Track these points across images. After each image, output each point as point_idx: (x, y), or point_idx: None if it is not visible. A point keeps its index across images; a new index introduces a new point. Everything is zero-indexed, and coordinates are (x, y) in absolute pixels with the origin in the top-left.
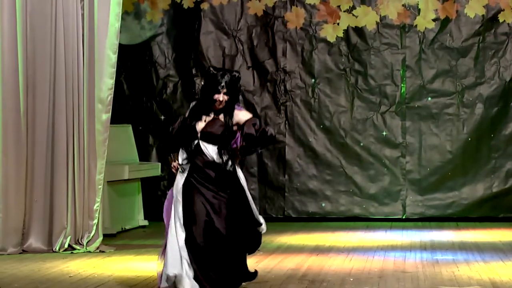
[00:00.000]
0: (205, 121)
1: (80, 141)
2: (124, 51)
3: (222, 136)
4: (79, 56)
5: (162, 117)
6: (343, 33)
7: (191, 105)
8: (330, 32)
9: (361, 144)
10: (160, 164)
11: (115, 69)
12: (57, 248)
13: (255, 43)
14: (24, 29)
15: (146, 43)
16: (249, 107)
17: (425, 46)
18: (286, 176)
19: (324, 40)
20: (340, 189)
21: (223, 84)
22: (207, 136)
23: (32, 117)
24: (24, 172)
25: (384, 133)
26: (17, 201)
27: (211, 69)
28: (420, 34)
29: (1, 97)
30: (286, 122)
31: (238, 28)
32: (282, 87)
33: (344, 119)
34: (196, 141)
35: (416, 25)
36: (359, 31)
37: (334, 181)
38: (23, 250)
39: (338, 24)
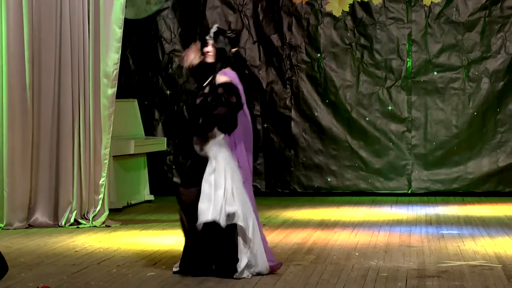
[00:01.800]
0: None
1: (86, 116)
2: (129, 25)
3: (199, 106)
4: (85, 30)
5: (168, 92)
6: (349, 7)
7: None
8: (336, 7)
9: (367, 118)
10: (165, 138)
11: (121, 44)
12: (63, 223)
13: (260, 18)
14: (30, 4)
15: (152, 17)
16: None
17: (431, 21)
18: (292, 151)
19: (330, 15)
20: (345, 164)
21: (210, 34)
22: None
23: (38, 92)
24: (30, 147)
25: (390, 108)
26: (23, 176)
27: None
28: (426, 8)
29: (7, 73)
30: (292, 96)
31: (244, 2)
32: (288, 62)
33: (350, 94)
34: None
35: None
36: (365, 5)
37: (340, 155)
38: (29, 225)
39: None
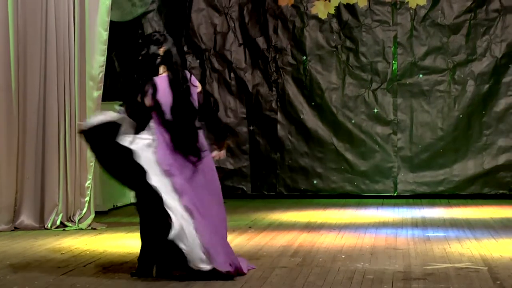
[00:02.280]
0: None
1: (72, 119)
2: (115, 28)
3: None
4: (70, 33)
5: None
6: (334, 10)
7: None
8: (322, 9)
9: (353, 121)
10: None
11: (107, 46)
12: (49, 225)
13: (246, 20)
14: (15, 6)
15: (137, 20)
16: (241, 84)
17: (416, 23)
18: (278, 153)
19: (316, 17)
20: (331, 166)
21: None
22: None
23: (24, 94)
24: (16, 149)
25: (376, 110)
26: (8, 178)
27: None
28: (411, 11)
29: None
30: (278, 99)
31: (230, 5)
32: (274, 64)
33: (336, 96)
34: None
35: (407, 2)
36: (351, 8)
37: (326, 158)
38: (14, 227)
39: (329, 1)
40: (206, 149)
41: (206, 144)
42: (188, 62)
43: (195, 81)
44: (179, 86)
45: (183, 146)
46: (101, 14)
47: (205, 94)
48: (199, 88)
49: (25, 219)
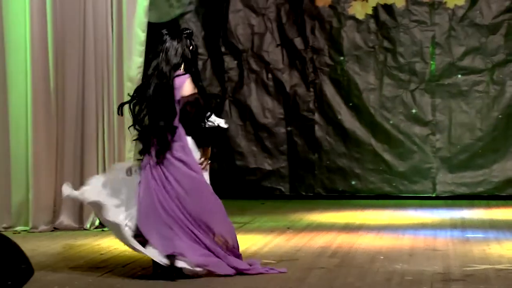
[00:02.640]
0: None
1: (110, 120)
2: (153, 29)
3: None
4: (108, 34)
5: None
6: (372, 10)
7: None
8: (359, 10)
9: (391, 121)
10: None
11: (144, 47)
12: (88, 226)
13: (283, 21)
14: (54, 8)
15: (175, 21)
16: (278, 85)
17: (454, 23)
18: (316, 154)
19: (353, 18)
20: (369, 167)
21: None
22: None
23: (62, 95)
24: (55, 150)
25: (414, 111)
26: (48, 179)
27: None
28: (449, 11)
29: (31, 76)
30: (315, 100)
31: (267, 6)
32: (311, 65)
33: (373, 97)
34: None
35: (445, 2)
36: (388, 8)
37: (364, 159)
38: (54, 228)
39: (367, 1)
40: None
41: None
42: (225, 63)
43: (180, 84)
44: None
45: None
46: (138, 15)
47: (188, 102)
48: (185, 93)
49: (65, 219)
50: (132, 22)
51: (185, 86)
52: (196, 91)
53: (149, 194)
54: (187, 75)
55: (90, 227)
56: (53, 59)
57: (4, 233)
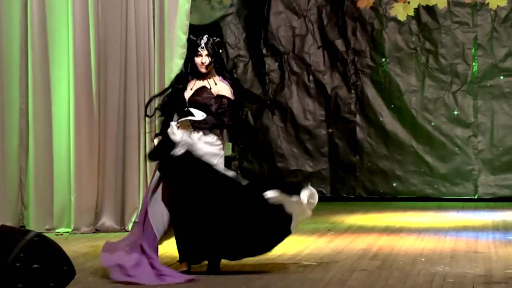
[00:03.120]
0: (191, 89)
1: (152, 122)
2: (194, 31)
3: (207, 104)
4: (150, 37)
5: (232, 97)
6: (413, 11)
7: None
8: (401, 11)
9: (432, 123)
10: (230, 144)
11: (186, 50)
12: (130, 227)
13: (325, 23)
14: (96, 12)
15: (216, 23)
16: (319, 87)
17: (497, 24)
18: (357, 156)
19: (395, 19)
20: (411, 169)
21: (202, 45)
22: (194, 104)
23: (104, 98)
24: (97, 153)
25: (456, 113)
26: (90, 181)
27: (191, 36)
28: (492, 12)
29: (74, 80)
30: (357, 101)
31: (308, 8)
32: (352, 67)
33: (415, 99)
34: (185, 109)
35: (487, 3)
36: (430, 9)
37: (405, 160)
38: (96, 230)
39: (408, 2)
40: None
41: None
42: (267, 65)
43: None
44: None
45: None
46: (180, 18)
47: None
48: None
49: (106, 221)
50: (174, 24)
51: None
52: None
53: None
54: None
55: (132, 228)
56: (95, 63)
57: (46, 234)
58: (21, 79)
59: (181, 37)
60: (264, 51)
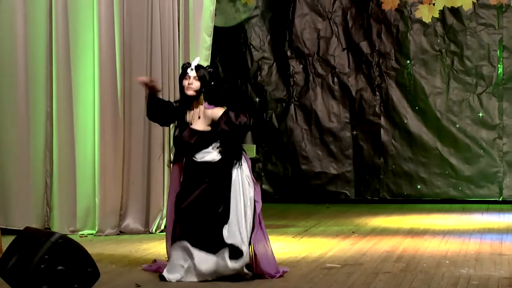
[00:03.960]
0: (189, 121)
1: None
2: (219, 34)
3: (195, 145)
4: (175, 39)
5: (257, 99)
6: (438, 13)
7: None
8: (426, 13)
9: (457, 125)
10: (255, 146)
11: (210, 52)
12: (154, 230)
13: (350, 25)
14: (121, 14)
15: (241, 25)
16: (344, 89)
17: None
18: (381, 158)
19: (420, 21)
20: (435, 171)
21: (192, 67)
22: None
23: (129, 100)
24: (121, 154)
25: (481, 115)
26: (114, 184)
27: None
28: None
29: (99, 81)
30: (381, 104)
31: (333, 10)
32: (377, 69)
33: (440, 101)
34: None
35: None
36: (455, 11)
37: (430, 163)
38: (120, 231)
39: (433, 4)
40: None
41: None
42: (291, 67)
43: None
44: None
45: None
46: (205, 20)
47: None
48: None
49: (131, 223)
50: (199, 26)
51: None
52: None
53: None
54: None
55: (156, 231)
56: (120, 64)
57: (70, 236)
58: (47, 82)
59: (205, 39)
60: (289, 53)
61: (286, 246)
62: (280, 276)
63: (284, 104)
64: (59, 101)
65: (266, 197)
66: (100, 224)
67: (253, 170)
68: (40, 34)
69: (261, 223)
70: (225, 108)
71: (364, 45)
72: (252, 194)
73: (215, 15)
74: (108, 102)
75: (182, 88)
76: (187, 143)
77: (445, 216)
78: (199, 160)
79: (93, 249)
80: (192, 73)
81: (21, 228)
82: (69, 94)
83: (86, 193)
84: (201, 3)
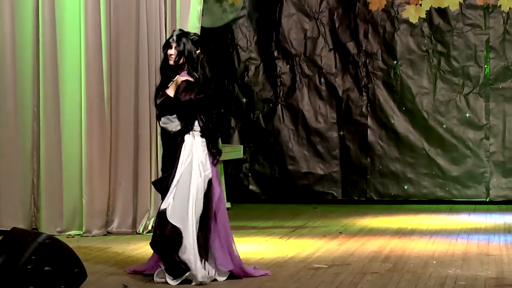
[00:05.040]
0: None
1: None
2: (206, 34)
3: (161, 105)
4: (162, 39)
5: (244, 100)
6: (425, 14)
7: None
8: (412, 13)
9: (444, 126)
10: (242, 146)
11: None
12: (141, 230)
13: (336, 25)
14: (107, 14)
15: (227, 26)
16: (331, 89)
17: (509, 27)
18: (368, 159)
19: (407, 22)
20: (422, 172)
21: (173, 37)
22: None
23: (116, 101)
24: (108, 155)
25: (468, 115)
26: (101, 184)
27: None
28: (504, 14)
29: (86, 82)
30: (368, 104)
31: (320, 10)
32: (364, 69)
33: (427, 101)
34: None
35: (500, 5)
36: (442, 12)
37: (417, 163)
38: (107, 232)
39: (420, 5)
40: None
41: None
42: (278, 68)
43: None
44: None
45: None
46: (192, 20)
47: None
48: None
49: (118, 224)
50: (186, 27)
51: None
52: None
53: None
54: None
55: (143, 231)
56: (106, 64)
57: (57, 237)
58: (33, 83)
59: None
60: (276, 54)
61: (273, 247)
62: (247, 276)
63: (271, 105)
64: (46, 101)
65: (253, 198)
66: (87, 224)
67: (240, 170)
68: (26, 34)
69: (217, 214)
70: (188, 77)
71: (351, 45)
72: (209, 172)
73: (202, 15)
74: (95, 102)
75: (165, 57)
76: (155, 103)
77: (432, 217)
78: (162, 125)
79: (80, 249)
80: (173, 43)
81: (8, 229)
82: (55, 95)
83: (73, 194)
84: (188, 4)
